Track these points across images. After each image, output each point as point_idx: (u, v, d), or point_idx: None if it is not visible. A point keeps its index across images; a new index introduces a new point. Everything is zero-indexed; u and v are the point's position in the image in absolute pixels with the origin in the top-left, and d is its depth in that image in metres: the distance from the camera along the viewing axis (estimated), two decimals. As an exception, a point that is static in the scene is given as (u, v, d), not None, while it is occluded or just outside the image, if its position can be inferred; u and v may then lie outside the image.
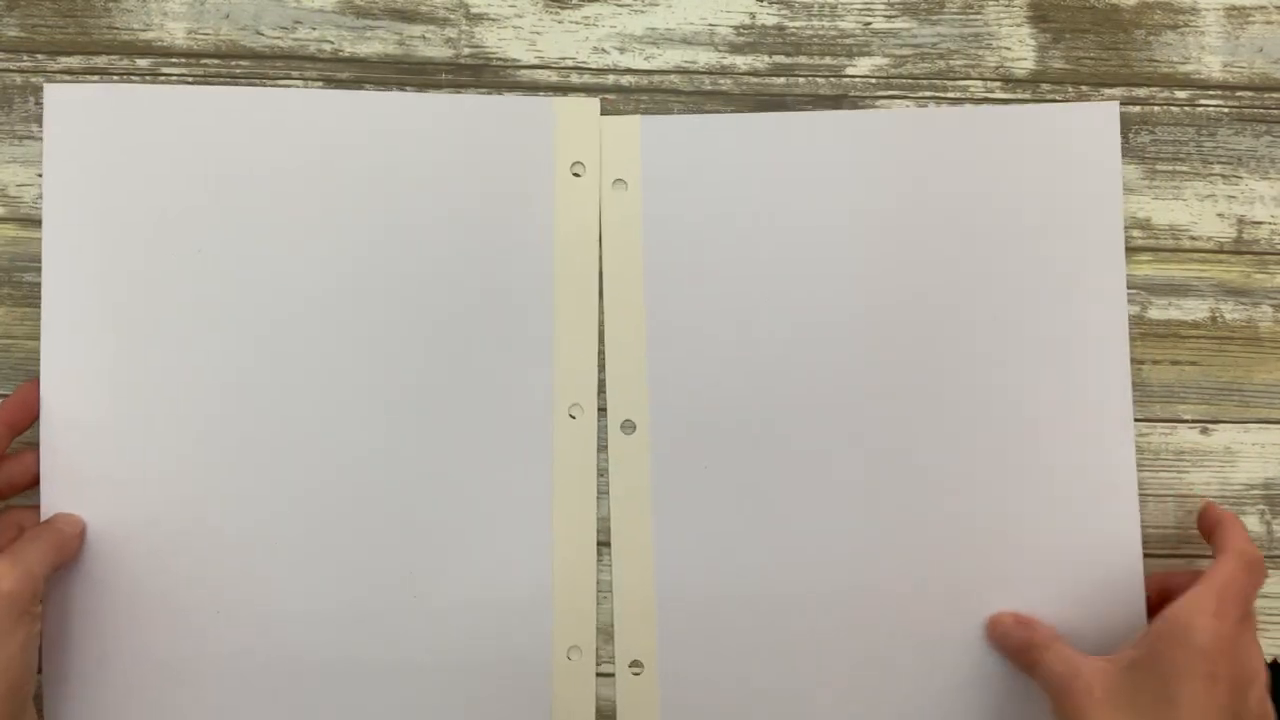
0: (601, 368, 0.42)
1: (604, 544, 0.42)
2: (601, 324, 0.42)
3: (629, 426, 0.42)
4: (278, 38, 0.42)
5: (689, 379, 0.42)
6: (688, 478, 0.42)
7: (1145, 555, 0.42)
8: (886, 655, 0.42)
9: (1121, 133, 0.43)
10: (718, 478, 0.42)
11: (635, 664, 0.42)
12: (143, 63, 0.42)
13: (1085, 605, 0.41)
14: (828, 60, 0.43)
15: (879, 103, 0.43)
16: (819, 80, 0.43)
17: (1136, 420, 0.42)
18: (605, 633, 0.42)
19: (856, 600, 0.42)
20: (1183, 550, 0.43)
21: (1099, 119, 0.42)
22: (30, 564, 0.36)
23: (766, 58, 0.43)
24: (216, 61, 0.42)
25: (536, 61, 0.42)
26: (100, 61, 0.42)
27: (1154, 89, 0.43)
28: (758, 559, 0.42)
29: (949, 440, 0.42)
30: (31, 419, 0.40)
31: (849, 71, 0.43)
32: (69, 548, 0.39)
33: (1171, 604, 0.36)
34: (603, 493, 0.42)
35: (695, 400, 0.42)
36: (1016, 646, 0.40)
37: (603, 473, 0.42)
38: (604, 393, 0.42)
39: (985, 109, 0.43)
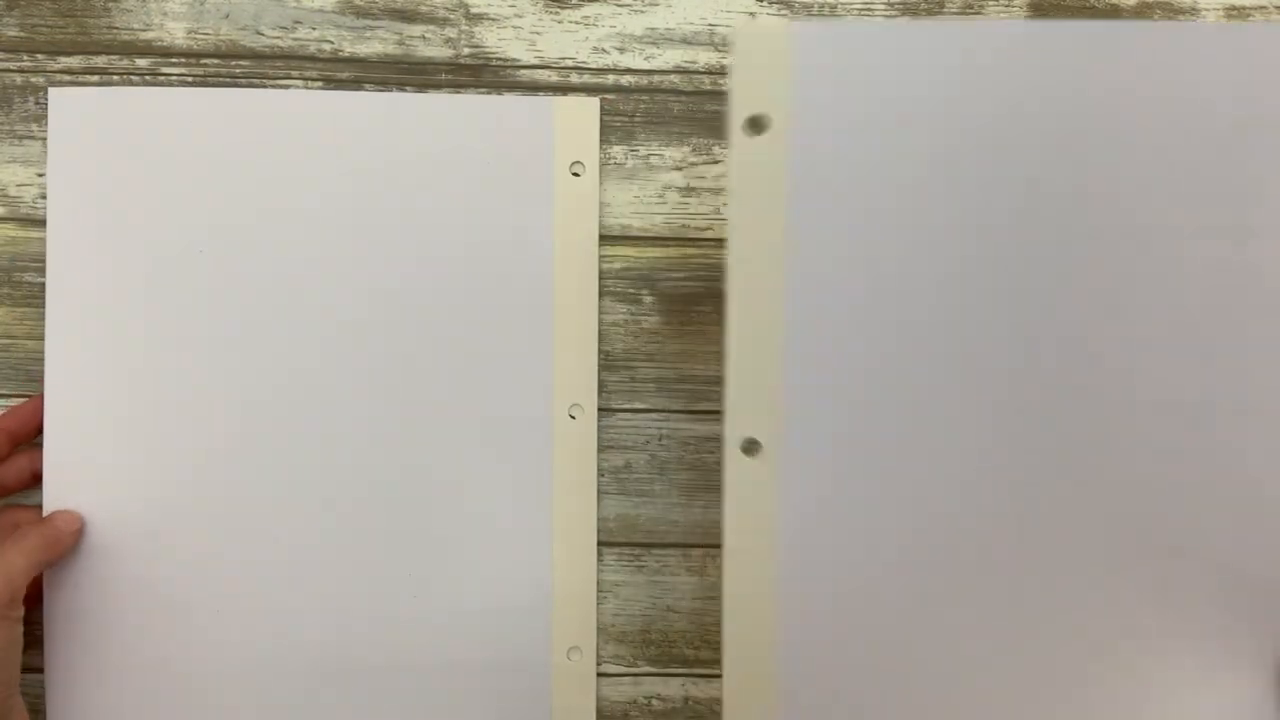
0: (608, 356, 0.42)
1: (604, 545, 0.42)
2: (614, 307, 0.42)
3: (752, 447, 0.33)
4: (278, 38, 0.42)
5: (837, 390, 0.32)
6: (823, 512, 0.33)
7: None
8: (1039, 692, 0.34)
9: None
10: (860, 515, 0.33)
11: None
12: (143, 63, 0.42)
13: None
14: (828, 60, 0.43)
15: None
16: (819, 80, 0.43)
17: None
18: (605, 633, 0.42)
19: (1014, 650, 0.34)
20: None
21: None
22: (8, 567, 0.36)
23: (766, 58, 0.43)
24: (216, 61, 0.42)
25: (536, 61, 0.42)
26: (100, 61, 0.42)
27: (1154, 89, 0.43)
28: (907, 619, 0.33)
29: (1162, 455, 0.33)
30: (34, 433, 0.40)
31: (849, 71, 0.43)
32: (61, 546, 0.39)
33: None
34: (604, 493, 0.42)
35: (843, 418, 0.32)
36: None
37: (604, 472, 0.42)
38: (612, 375, 0.42)
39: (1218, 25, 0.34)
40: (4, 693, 0.36)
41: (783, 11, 0.43)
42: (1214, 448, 0.33)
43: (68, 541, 0.39)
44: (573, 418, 0.42)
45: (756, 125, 0.31)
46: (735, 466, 0.32)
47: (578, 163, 0.42)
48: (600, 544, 0.42)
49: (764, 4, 0.43)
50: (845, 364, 0.32)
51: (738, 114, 0.31)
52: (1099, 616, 0.34)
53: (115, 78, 0.42)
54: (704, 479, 0.43)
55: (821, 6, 0.43)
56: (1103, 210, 0.31)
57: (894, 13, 0.43)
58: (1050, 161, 0.31)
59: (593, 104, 0.42)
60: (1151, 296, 0.32)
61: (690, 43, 0.43)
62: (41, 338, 0.41)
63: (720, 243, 0.43)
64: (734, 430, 0.32)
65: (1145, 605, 0.34)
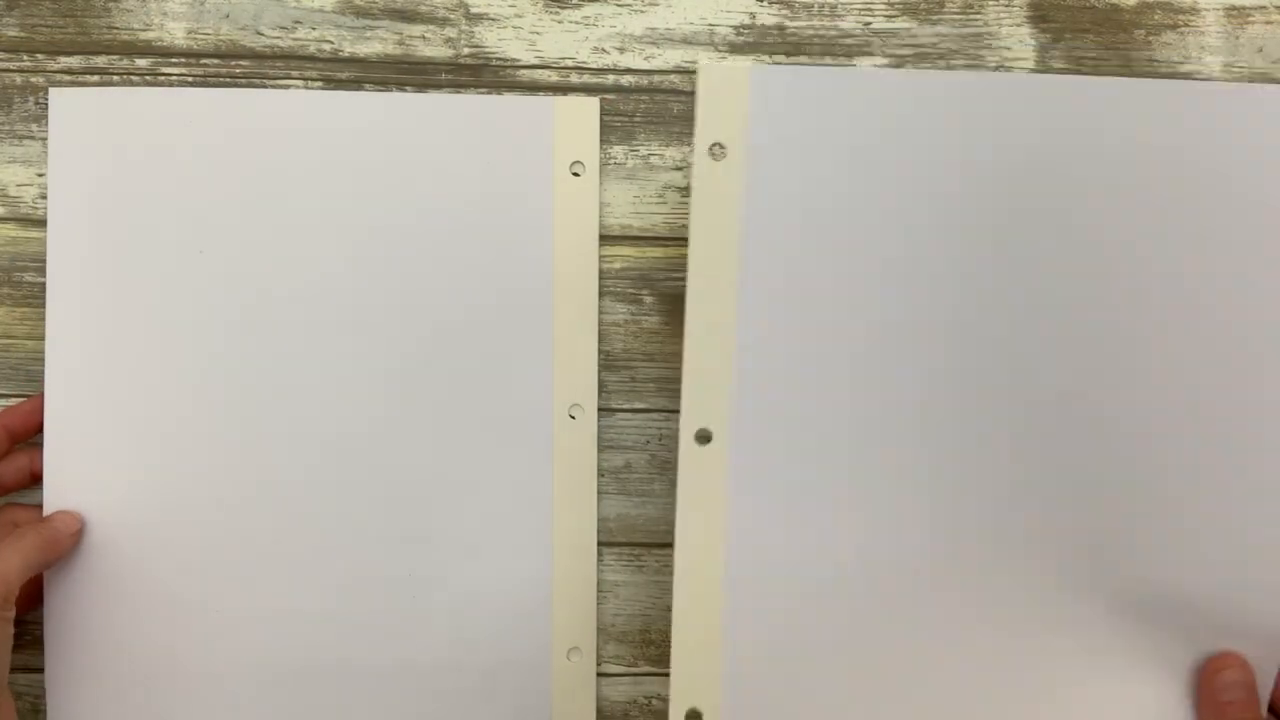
0: (608, 356, 0.42)
1: (604, 545, 0.42)
2: (614, 307, 0.42)
3: (704, 437, 0.36)
4: (277, 38, 0.42)
5: (785, 386, 0.35)
6: (772, 502, 0.36)
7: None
8: (969, 689, 0.37)
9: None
10: (810, 502, 0.36)
11: (693, 714, 0.37)
12: (142, 63, 0.42)
13: (1219, 637, 0.37)
14: (827, 60, 0.43)
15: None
16: (819, 80, 0.43)
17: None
18: (606, 633, 0.42)
19: (953, 640, 0.37)
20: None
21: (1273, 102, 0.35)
22: (3, 566, 0.36)
23: (766, 58, 0.43)
24: (216, 61, 0.42)
25: (536, 61, 0.42)
26: (100, 61, 0.42)
27: (1154, 89, 0.43)
28: (853, 606, 0.36)
29: (1088, 458, 0.36)
30: (34, 430, 0.40)
31: (849, 71, 0.43)
32: (59, 547, 0.39)
33: None
34: (604, 493, 0.42)
35: (784, 409, 0.36)
36: (1222, 710, 0.36)
37: (604, 472, 0.42)
38: (612, 375, 0.42)
39: (1193, 84, 0.37)
40: None
41: (783, 11, 0.43)
42: (1140, 467, 0.36)
43: (66, 543, 0.39)
44: (573, 418, 0.42)
45: (716, 152, 0.35)
46: (689, 454, 0.36)
47: (578, 163, 0.42)
48: (600, 544, 0.42)
49: (764, 4, 0.43)
50: (790, 362, 0.35)
51: (701, 141, 0.34)
52: (1031, 606, 0.37)
53: (115, 78, 0.42)
54: (704, 479, 0.43)
55: (821, 7, 0.43)
56: (1029, 236, 0.35)
57: (894, 13, 0.43)
58: (980, 194, 0.35)
59: (593, 104, 0.42)
60: (1079, 316, 0.35)
61: (690, 43, 0.43)
62: (41, 338, 0.41)
63: (720, 243, 0.43)
64: (689, 421, 0.36)
65: (1070, 611, 0.37)
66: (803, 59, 0.43)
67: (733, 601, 0.36)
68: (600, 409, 0.42)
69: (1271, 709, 0.37)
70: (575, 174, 0.42)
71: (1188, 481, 0.36)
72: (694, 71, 0.43)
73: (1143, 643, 0.37)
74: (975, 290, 0.35)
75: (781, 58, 0.43)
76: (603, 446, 0.42)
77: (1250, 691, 0.36)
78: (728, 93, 0.34)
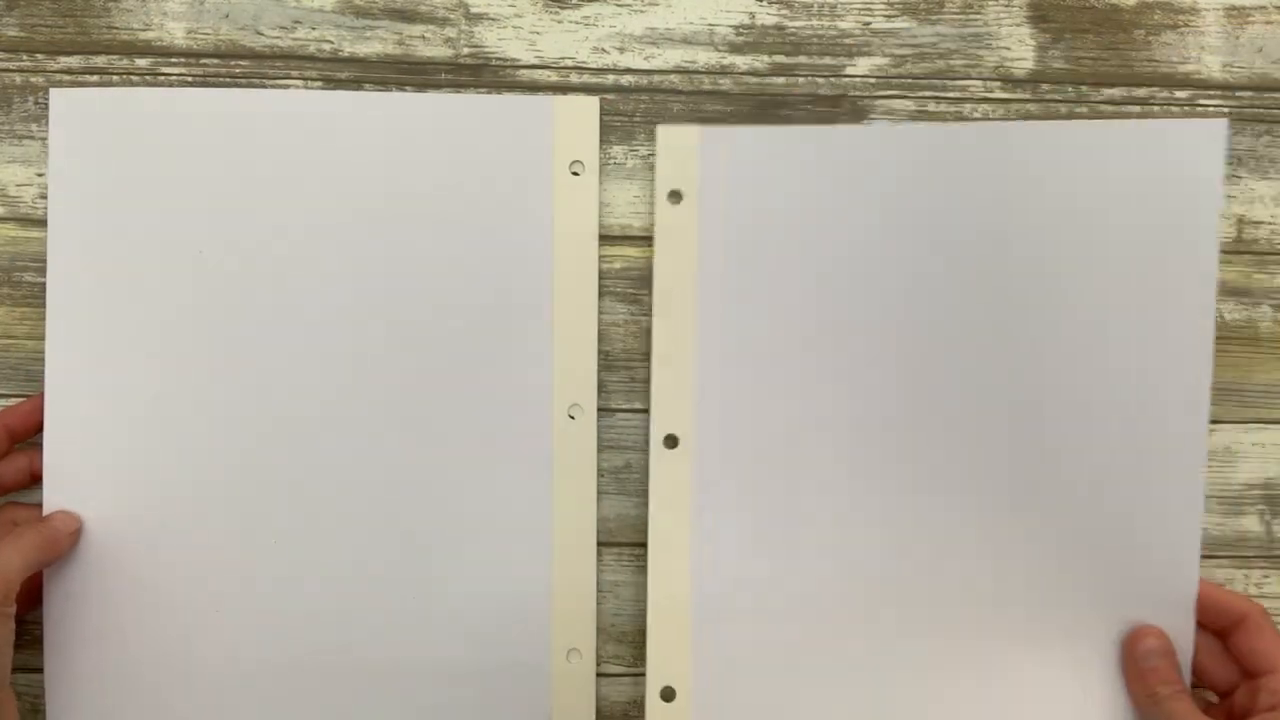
0: (608, 356, 0.42)
1: (604, 545, 0.42)
2: (613, 307, 0.42)
3: (671, 441, 0.41)
4: (277, 38, 0.42)
5: (739, 396, 0.41)
6: (732, 500, 0.41)
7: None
8: (943, 690, 0.41)
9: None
10: (765, 501, 0.41)
11: (667, 691, 0.41)
12: (142, 62, 0.42)
13: (1135, 613, 0.41)
14: (827, 60, 0.43)
15: (879, 103, 0.43)
16: (819, 80, 0.43)
17: (1137, 420, 0.42)
18: (605, 634, 0.42)
19: (912, 632, 0.41)
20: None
21: (1205, 135, 0.40)
22: (3, 564, 0.36)
23: (766, 58, 0.43)
24: (216, 61, 0.42)
25: (536, 61, 0.42)
26: (100, 61, 0.42)
27: (1154, 89, 0.43)
28: (803, 593, 0.41)
29: (1013, 462, 0.41)
30: (34, 430, 0.40)
31: (849, 71, 0.43)
32: (58, 546, 0.39)
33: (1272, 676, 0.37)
34: (604, 493, 0.42)
35: (745, 417, 0.41)
36: (1144, 677, 0.39)
37: (604, 472, 0.42)
38: (612, 375, 0.42)
39: (1079, 124, 0.42)
40: None
41: (783, 12, 0.43)
42: (1060, 448, 0.41)
43: (65, 542, 0.39)
44: (572, 418, 0.42)
45: (675, 196, 0.41)
46: (658, 457, 0.41)
47: (578, 162, 0.42)
48: (600, 544, 0.42)
49: (764, 4, 0.43)
50: (746, 375, 0.41)
51: (661, 187, 0.41)
52: (981, 585, 0.41)
53: (115, 78, 0.42)
54: (704, 479, 0.43)
55: (821, 7, 0.43)
56: (947, 267, 0.41)
57: (894, 13, 0.43)
58: (900, 230, 0.41)
59: (592, 104, 0.42)
60: (996, 332, 0.41)
61: (690, 43, 0.43)
62: (41, 338, 0.41)
63: (720, 243, 0.43)
64: (658, 427, 0.41)
65: (1005, 578, 0.41)
66: (802, 59, 0.43)
67: (699, 589, 0.41)
68: (600, 409, 0.42)
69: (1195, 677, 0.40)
70: (575, 174, 0.42)
71: (1094, 476, 0.41)
72: (694, 71, 0.43)
73: (1072, 627, 0.41)
74: (901, 308, 0.41)
75: (781, 58, 0.43)
76: (603, 446, 0.42)
77: (1170, 658, 0.39)
78: (682, 148, 0.41)
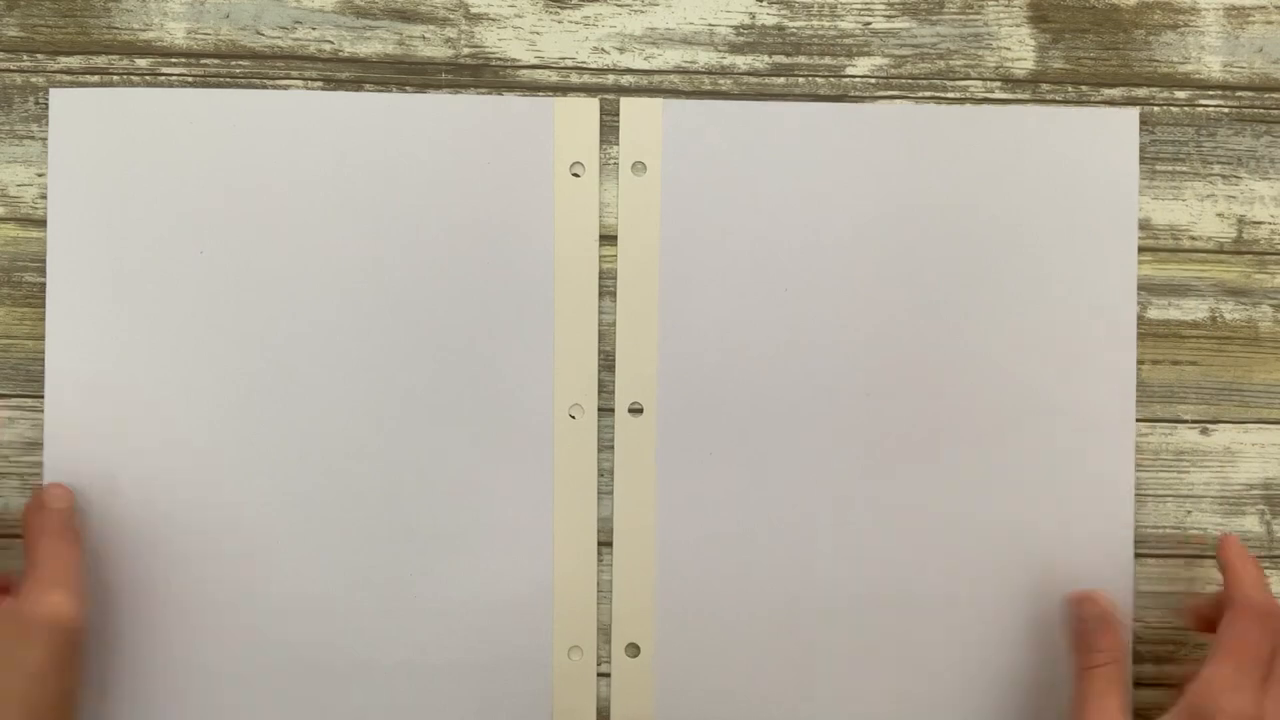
0: (608, 356, 0.42)
1: (605, 544, 0.42)
2: (613, 307, 0.42)
3: (636, 409, 0.42)
4: (277, 38, 0.42)
5: (699, 365, 0.42)
6: (694, 463, 0.42)
7: (1145, 556, 0.42)
8: (887, 654, 0.42)
9: (1122, 133, 0.43)
10: (724, 465, 0.42)
11: (631, 647, 0.42)
12: (142, 63, 0.42)
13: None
14: (827, 60, 0.43)
15: (879, 103, 0.43)
16: (819, 80, 0.43)
17: (1136, 420, 0.43)
18: (605, 632, 0.42)
19: (855, 597, 0.42)
20: (1183, 551, 0.43)
21: (1116, 123, 0.43)
22: (80, 591, 0.36)
23: (766, 58, 0.43)
24: (216, 61, 0.42)
25: (536, 61, 0.42)
26: (100, 61, 0.42)
27: (1154, 89, 0.43)
28: (760, 552, 0.42)
29: (954, 437, 0.42)
30: None
31: (849, 71, 0.43)
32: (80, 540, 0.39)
33: (1193, 683, 0.35)
34: (604, 493, 0.42)
35: (704, 386, 0.42)
36: (1088, 640, 0.39)
37: (604, 472, 0.42)
38: (612, 375, 0.42)
39: (1013, 109, 0.43)
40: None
41: (783, 12, 0.43)
42: (1002, 440, 0.42)
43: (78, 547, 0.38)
44: (573, 418, 0.42)
45: (639, 168, 0.42)
46: (623, 425, 0.42)
47: (578, 163, 0.42)
48: (600, 544, 0.42)
49: (764, 4, 0.43)
50: (706, 344, 0.42)
51: (625, 159, 0.42)
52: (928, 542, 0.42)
53: (115, 78, 0.42)
54: (704, 479, 0.43)
55: (821, 7, 0.43)
56: (890, 240, 0.43)
57: (894, 13, 0.43)
58: (859, 202, 0.42)
59: (592, 104, 0.42)
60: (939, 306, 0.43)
61: (690, 43, 0.43)
62: (41, 338, 0.41)
63: (720, 243, 0.43)
64: (622, 396, 0.42)
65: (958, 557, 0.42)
66: (802, 59, 0.43)
67: (663, 548, 0.42)
68: (600, 409, 0.42)
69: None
70: (575, 174, 0.42)
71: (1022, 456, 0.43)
72: (694, 71, 0.43)
73: (1014, 598, 0.42)
74: (858, 279, 0.42)
75: (781, 58, 0.43)
76: (602, 446, 0.42)
77: (1110, 620, 0.39)
78: (645, 121, 0.42)
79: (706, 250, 0.42)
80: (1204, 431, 0.43)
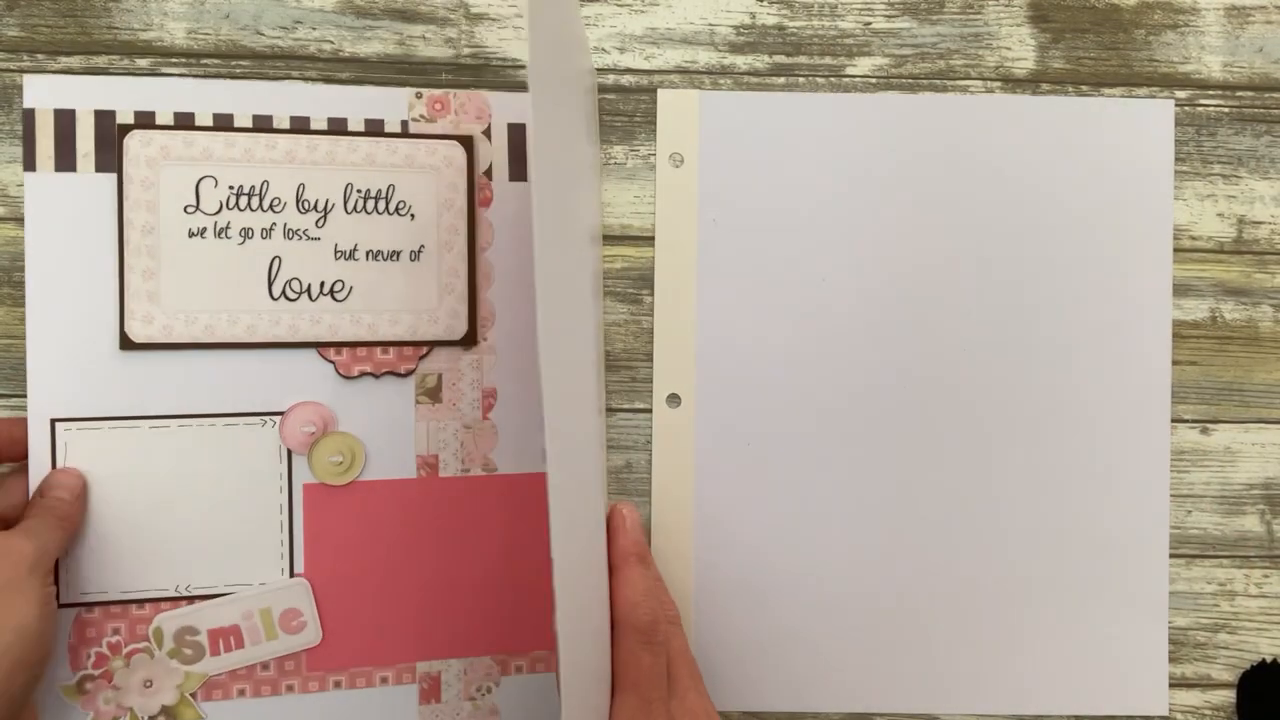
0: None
1: (604, 544, 0.42)
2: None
3: (674, 400, 0.42)
4: (278, 38, 0.42)
5: (736, 357, 0.42)
6: (731, 455, 0.42)
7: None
8: (915, 641, 0.43)
9: (1122, 133, 0.43)
10: (761, 457, 0.42)
11: None
12: (143, 63, 0.42)
13: (1108, 605, 0.43)
14: (827, 60, 0.43)
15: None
16: (819, 80, 0.43)
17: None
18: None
19: (891, 587, 0.43)
20: (1181, 550, 0.43)
21: (1153, 115, 0.43)
22: (45, 541, 0.37)
23: (766, 57, 0.43)
24: (217, 61, 0.42)
25: (536, 61, 0.42)
26: (100, 61, 0.42)
27: (1154, 89, 0.43)
28: (794, 544, 0.42)
29: (989, 430, 0.43)
30: (18, 456, 0.40)
31: (849, 71, 0.43)
32: (71, 524, 0.39)
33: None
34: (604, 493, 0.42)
35: (740, 377, 0.42)
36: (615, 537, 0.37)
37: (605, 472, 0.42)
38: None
39: (1052, 99, 0.43)
40: (45, 655, 0.36)
41: (783, 12, 0.43)
42: (1042, 444, 0.43)
43: (76, 521, 0.39)
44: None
45: (676, 159, 0.42)
46: (662, 415, 0.42)
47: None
48: (600, 544, 0.42)
49: (764, 4, 0.43)
50: (744, 334, 0.42)
51: (663, 151, 0.43)
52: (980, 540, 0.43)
53: (116, 78, 0.42)
54: (704, 479, 0.43)
55: (821, 7, 0.43)
56: (937, 230, 0.43)
57: (894, 13, 0.43)
58: (890, 195, 0.43)
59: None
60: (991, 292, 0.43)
61: (690, 43, 0.43)
62: (42, 338, 0.41)
63: (720, 243, 0.43)
64: (660, 387, 0.43)
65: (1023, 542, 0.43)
66: (802, 59, 0.43)
67: (701, 535, 0.42)
68: (611, 409, 0.42)
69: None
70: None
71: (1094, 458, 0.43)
72: (694, 71, 0.43)
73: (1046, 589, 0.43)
74: (895, 267, 0.43)
75: (782, 58, 0.43)
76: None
77: (633, 527, 0.37)
78: (683, 113, 0.42)
79: (741, 240, 0.42)
80: (1204, 431, 0.43)
